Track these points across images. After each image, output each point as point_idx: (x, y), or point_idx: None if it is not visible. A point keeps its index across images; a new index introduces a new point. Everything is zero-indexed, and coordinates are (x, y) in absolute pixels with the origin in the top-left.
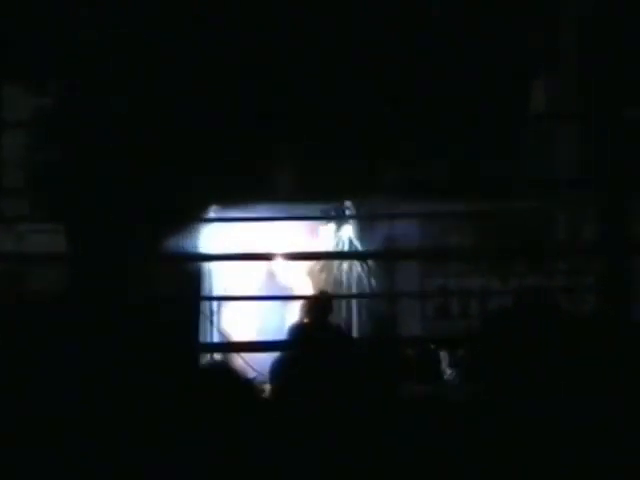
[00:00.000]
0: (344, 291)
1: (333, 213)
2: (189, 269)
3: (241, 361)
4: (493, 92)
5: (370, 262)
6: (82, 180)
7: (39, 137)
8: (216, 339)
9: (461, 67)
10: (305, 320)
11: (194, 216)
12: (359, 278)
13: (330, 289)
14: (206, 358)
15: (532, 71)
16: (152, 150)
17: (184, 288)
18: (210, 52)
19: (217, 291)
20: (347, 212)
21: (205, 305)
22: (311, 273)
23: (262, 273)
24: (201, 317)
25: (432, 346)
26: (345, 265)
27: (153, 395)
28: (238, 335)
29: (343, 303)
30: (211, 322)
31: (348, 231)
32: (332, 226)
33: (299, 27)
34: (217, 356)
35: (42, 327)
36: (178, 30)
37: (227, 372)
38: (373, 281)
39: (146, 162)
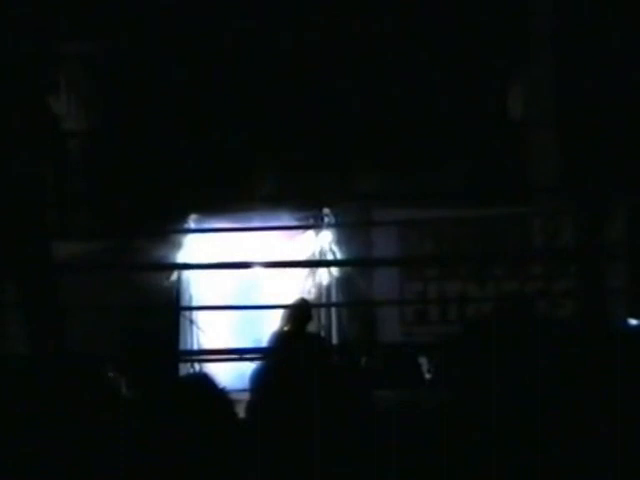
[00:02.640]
0: (323, 298)
1: (311, 221)
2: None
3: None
4: (472, 99)
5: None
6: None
7: None
8: (195, 347)
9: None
10: (284, 328)
11: (173, 226)
12: (338, 284)
13: (309, 296)
14: (185, 366)
15: (509, 77)
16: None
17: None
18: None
19: (196, 300)
20: (326, 220)
21: (185, 314)
22: (291, 280)
23: (241, 282)
24: (180, 326)
25: (411, 351)
26: (324, 271)
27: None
28: (217, 343)
29: (322, 310)
30: (190, 331)
31: (327, 238)
32: (311, 233)
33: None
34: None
35: None
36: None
37: (204, 381)
38: (353, 287)
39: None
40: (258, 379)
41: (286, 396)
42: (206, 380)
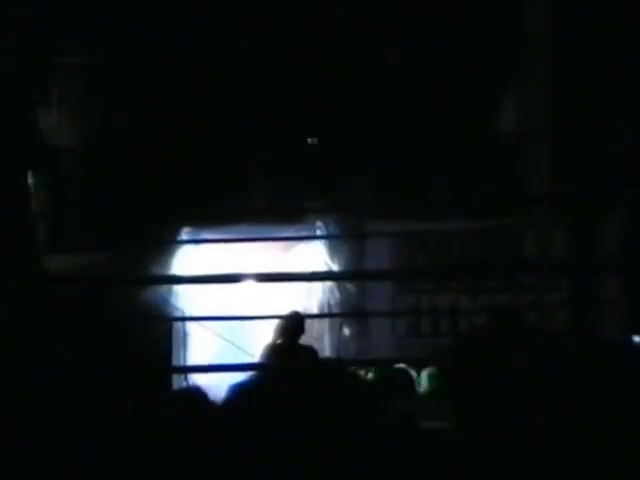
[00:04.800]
0: (316, 310)
1: (305, 234)
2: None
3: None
4: (462, 112)
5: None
6: None
7: None
8: (187, 360)
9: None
10: (277, 341)
11: (167, 238)
12: (332, 297)
13: (302, 309)
14: (179, 379)
15: (500, 90)
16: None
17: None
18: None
19: (189, 312)
20: (319, 232)
21: (178, 326)
22: (284, 294)
23: (234, 294)
24: (174, 338)
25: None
26: (318, 284)
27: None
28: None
29: (315, 323)
30: (184, 343)
31: (320, 251)
32: (304, 246)
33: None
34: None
35: None
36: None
37: (196, 394)
38: (345, 300)
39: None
40: (248, 392)
41: (277, 408)
42: (198, 394)
